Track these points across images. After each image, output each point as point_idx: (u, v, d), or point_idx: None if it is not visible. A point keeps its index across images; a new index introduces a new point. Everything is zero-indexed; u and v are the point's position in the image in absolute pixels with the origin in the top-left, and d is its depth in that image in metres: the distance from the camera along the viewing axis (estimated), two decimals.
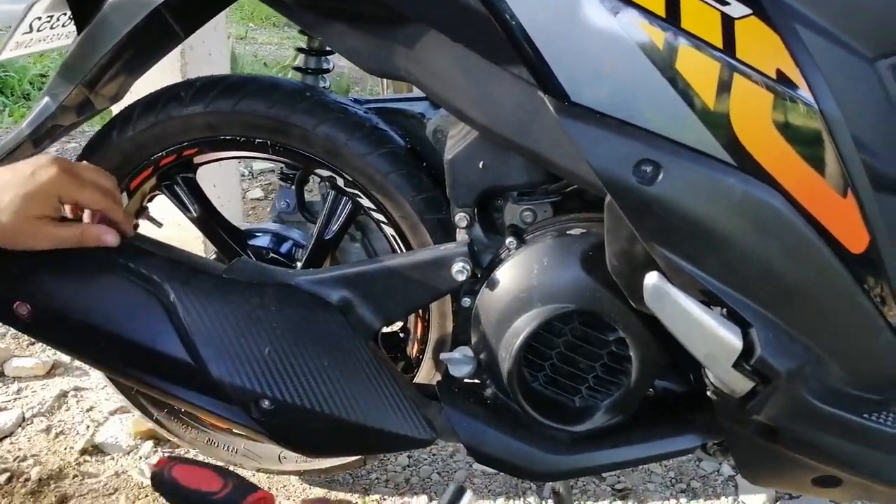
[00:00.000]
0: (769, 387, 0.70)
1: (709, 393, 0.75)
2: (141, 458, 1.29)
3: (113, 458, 1.30)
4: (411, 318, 1.11)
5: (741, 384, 0.71)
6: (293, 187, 1.15)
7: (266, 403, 0.78)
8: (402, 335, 1.16)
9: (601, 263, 0.80)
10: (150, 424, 1.19)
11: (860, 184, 0.69)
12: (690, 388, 0.91)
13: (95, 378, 1.49)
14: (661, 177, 0.67)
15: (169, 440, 1.24)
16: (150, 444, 1.32)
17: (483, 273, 0.88)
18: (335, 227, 1.05)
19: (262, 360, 0.78)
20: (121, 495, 1.22)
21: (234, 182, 2.03)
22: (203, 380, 0.78)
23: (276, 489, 1.25)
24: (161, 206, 1.10)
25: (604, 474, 1.29)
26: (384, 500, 1.23)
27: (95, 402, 1.43)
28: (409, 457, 1.32)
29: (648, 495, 1.25)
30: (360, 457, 1.14)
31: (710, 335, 0.69)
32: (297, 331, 0.81)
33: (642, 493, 1.26)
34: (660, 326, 0.82)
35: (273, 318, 0.81)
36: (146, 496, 1.22)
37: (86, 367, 1.50)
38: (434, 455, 1.33)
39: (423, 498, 1.23)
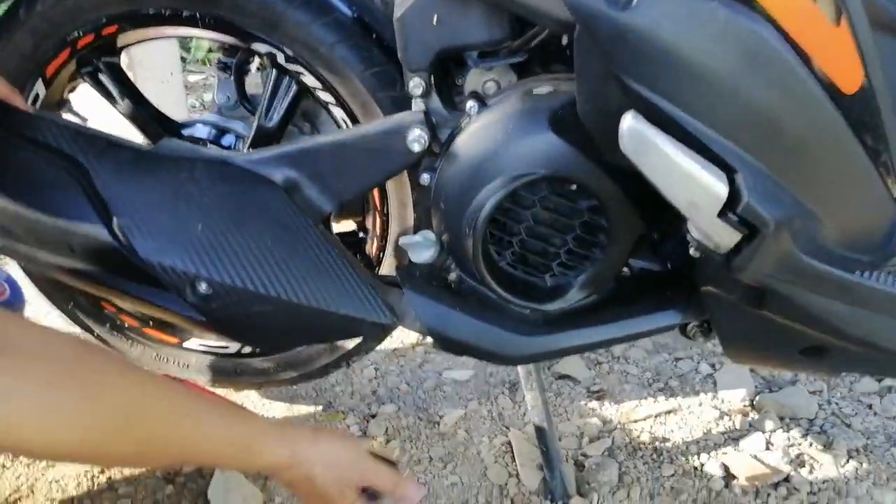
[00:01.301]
0: (756, 239, 0.64)
1: (691, 251, 0.69)
2: None
3: None
4: (369, 213, 1.03)
5: (727, 237, 0.64)
6: (232, 78, 1.04)
7: (203, 287, 0.70)
8: (360, 234, 1.08)
9: (572, 124, 0.72)
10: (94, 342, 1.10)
11: (854, 10, 0.61)
12: (669, 267, 0.85)
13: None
14: (635, 0, 0.59)
15: None
16: None
17: (442, 147, 0.80)
18: (278, 112, 0.95)
19: (194, 238, 0.69)
20: None
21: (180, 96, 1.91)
22: (130, 263, 0.69)
23: None
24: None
25: (579, 377, 1.24)
26: (350, 412, 1.17)
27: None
28: (375, 369, 1.26)
29: (625, 396, 1.21)
30: (322, 367, 1.07)
31: (693, 181, 0.62)
32: (233, 208, 0.73)
33: (619, 393, 1.21)
34: (636, 190, 0.75)
35: (205, 193, 0.72)
36: None
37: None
38: (402, 366, 1.28)
39: (391, 407, 1.17)
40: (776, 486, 1.03)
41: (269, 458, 0.65)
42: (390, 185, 0.98)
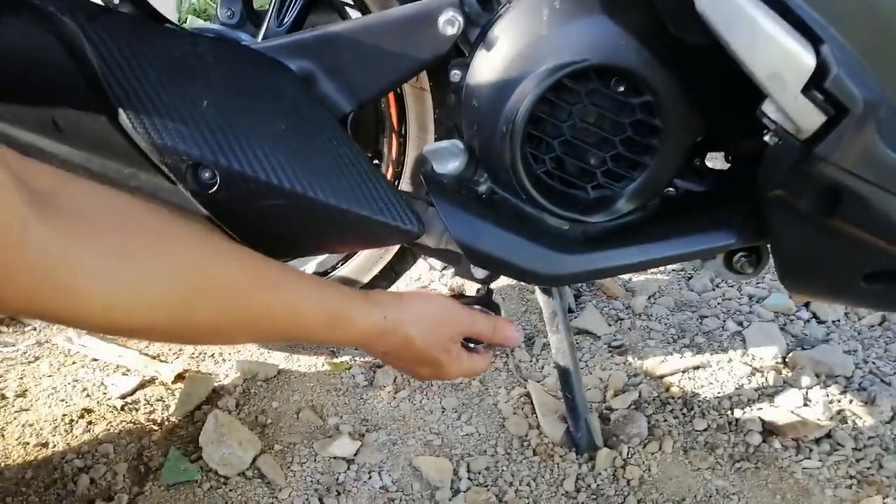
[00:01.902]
0: (843, 122, 0.57)
1: (767, 138, 0.61)
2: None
3: (35, 329, 1.12)
4: (384, 136, 0.94)
5: (810, 118, 0.57)
6: None
7: (206, 174, 0.61)
8: (375, 161, 1.00)
9: (629, 3, 0.65)
10: None
11: None
12: (722, 187, 0.78)
13: None
14: None
15: None
16: None
17: (476, 40, 0.72)
18: (290, 16, 0.87)
19: (198, 116, 0.60)
20: (43, 363, 1.04)
21: None
22: (124, 144, 0.60)
23: (228, 354, 1.09)
24: None
25: (598, 332, 1.16)
26: (353, 360, 1.08)
27: None
28: None
29: (649, 351, 1.13)
30: None
31: (777, 47, 0.54)
32: (242, 88, 0.64)
33: (642, 349, 1.13)
34: (696, 86, 0.68)
35: (212, 70, 0.63)
36: (73, 363, 1.04)
37: None
38: None
39: None
40: (818, 441, 0.95)
41: (361, 327, 0.60)
42: (410, 106, 0.90)
